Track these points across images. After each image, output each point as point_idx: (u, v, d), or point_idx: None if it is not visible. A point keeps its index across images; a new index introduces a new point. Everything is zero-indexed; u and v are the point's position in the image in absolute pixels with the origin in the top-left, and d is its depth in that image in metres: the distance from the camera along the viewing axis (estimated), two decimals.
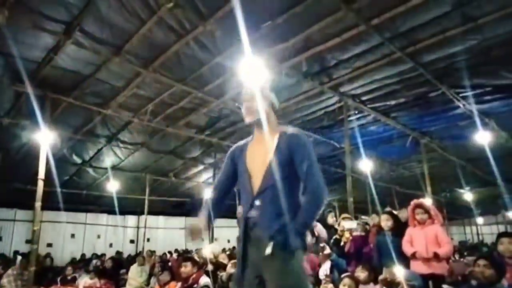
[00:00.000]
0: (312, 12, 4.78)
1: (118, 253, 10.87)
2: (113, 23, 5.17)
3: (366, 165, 9.43)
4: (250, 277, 1.88)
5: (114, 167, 10.36)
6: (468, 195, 15.28)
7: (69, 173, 10.25)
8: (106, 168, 10.30)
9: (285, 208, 1.82)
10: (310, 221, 1.89)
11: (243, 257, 1.91)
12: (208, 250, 5.69)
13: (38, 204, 6.40)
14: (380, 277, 3.58)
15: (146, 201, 11.35)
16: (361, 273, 3.81)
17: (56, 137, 7.34)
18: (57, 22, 5.12)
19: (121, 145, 9.38)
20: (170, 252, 11.78)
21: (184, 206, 14.64)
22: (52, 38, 5.43)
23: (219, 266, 5.36)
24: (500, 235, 3.65)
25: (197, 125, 8.77)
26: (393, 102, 7.53)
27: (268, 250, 1.76)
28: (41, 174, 6.49)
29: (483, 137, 8.33)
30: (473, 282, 3.09)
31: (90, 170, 10.42)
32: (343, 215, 5.42)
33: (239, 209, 2.12)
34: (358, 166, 9.82)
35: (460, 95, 7.01)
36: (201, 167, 11.05)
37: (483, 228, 21.18)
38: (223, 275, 4.26)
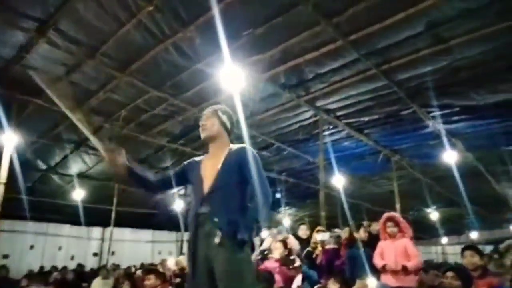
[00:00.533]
0: (291, 24, 4.85)
1: (80, 266, 10.34)
2: (90, 24, 5.04)
3: (338, 180, 9.53)
4: (201, 271, 1.97)
5: (80, 175, 9.99)
6: (434, 214, 15.72)
7: (32, 179, 9.78)
8: (72, 175, 9.92)
9: (233, 206, 2.02)
10: (258, 217, 2.02)
11: (193, 253, 2.01)
12: (172, 261, 5.51)
13: None
14: None
15: (114, 212, 10.93)
16: (333, 286, 3.77)
17: (21, 140, 7.01)
18: (31, 19, 4.95)
19: (90, 151, 9.06)
20: (135, 266, 11.35)
21: (152, 218, 14.24)
22: (25, 36, 5.24)
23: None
24: (464, 248, 3.74)
25: (171, 133, 8.62)
26: (366, 119, 7.70)
27: (217, 240, 1.91)
28: (3, 178, 6.16)
29: (450, 157, 8.65)
30: None
31: (55, 177, 9.99)
32: (317, 228, 5.41)
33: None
34: (330, 181, 9.90)
35: (430, 114, 7.27)
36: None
37: (448, 248, 21.77)
38: None
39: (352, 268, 4.34)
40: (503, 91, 6.24)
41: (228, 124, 2.31)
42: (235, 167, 2.11)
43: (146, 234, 15.52)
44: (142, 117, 7.73)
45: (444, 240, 20.82)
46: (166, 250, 15.75)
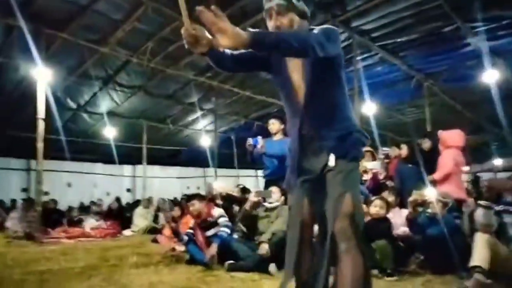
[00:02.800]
0: None
1: (118, 199, 10.82)
2: None
3: (369, 109, 9.31)
4: (309, 173, 1.82)
5: (110, 113, 10.02)
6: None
7: (64, 119, 9.88)
8: (101, 114, 9.97)
9: (336, 115, 1.78)
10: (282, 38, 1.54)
11: (298, 166, 1.83)
12: (218, 184, 5.63)
13: (40, 145, 6.18)
14: (410, 199, 3.57)
15: (145, 150, 11.15)
16: (389, 197, 3.80)
17: (53, 77, 6.96)
18: None
19: (117, 88, 8.99)
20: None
21: (180, 156, 14.54)
22: None
23: (232, 200, 5.31)
24: None
25: (197, 66, 8.40)
26: (404, 39, 7.28)
27: (331, 163, 1.72)
28: (41, 113, 6.21)
29: (489, 78, 8.24)
30: (509, 198, 3.09)
31: (85, 116, 10.08)
32: (365, 148, 5.35)
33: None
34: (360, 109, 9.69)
35: (474, 30, 6.80)
36: (199, 113, 10.77)
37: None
38: (246, 204, 4.20)
39: (401, 183, 4.36)
40: None
41: (308, 12, 1.84)
42: (316, 61, 1.70)
43: (175, 170, 15.97)
44: (169, 49, 7.49)
45: (467, 168, 20.71)
46: (194, 186, 16.31)
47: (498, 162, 19.14)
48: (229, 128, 12.78)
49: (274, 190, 3.98)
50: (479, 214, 2.97)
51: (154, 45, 7.28)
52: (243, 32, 1.40)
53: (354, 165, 1.77)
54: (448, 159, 4.11)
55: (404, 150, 4.39)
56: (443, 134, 4.32)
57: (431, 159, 4.22)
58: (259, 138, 4.09)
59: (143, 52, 7.46)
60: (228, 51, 1.80)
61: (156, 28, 6.79)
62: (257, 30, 1.45)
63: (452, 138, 4.32)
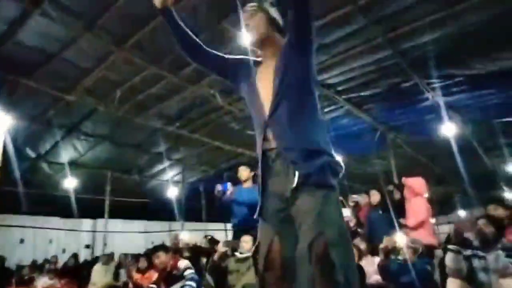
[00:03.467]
0: None
1: (75, 255, 10.05)
2: None
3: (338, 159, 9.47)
4: (274, 208, 1.63)
5: (72, 163, 9.62)
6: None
7: (21, 169, 9.35)
8: (62, 164, 9.54)
9: (306, 127, 1.61)
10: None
11: (263, 191, 1.66)
12: (185, 235, 5.37)
13: None
14: (381, 246, 3.51)
15: (107, 202, 10.64)
16: (361, 245, 3.72)
17: (13, 124, 6.66)
18: None
19: (82, 137, 8.73)
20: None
21: (146, 208, 13.96)
22: (17, 8, 4.92)
23: (199, 251, 5.05)
24: (487, 202, 3.82)
25: (167, 115, 8.38)
26: (367, 93, 7.66)
27: (293, 183, 1.52)
28: None
29: (447, 132, 8.70)
30: (475, 242, 3.10)
31: (45, 166, 9.61)
32: None
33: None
34: None
35: (430, 86, 7.27)
36: (167, 163, 10.57)
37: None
38: (214, 256, 3.98)
39: (371, 231, 4.33)
40: (505, 59, 6.27)
41: (280, 20, 1.82)
42: (291, 58, 1.66)
43: (138, 224, 15.23)
44: (138, 97, 7.46)
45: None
46: (159, 241, 15.48)
47: (462, 213, 19.76)
48: (197, 179, 12.55)
49: (246, 239, 3.81)
50: (449, 259, 2.95)
51: (122, 94, 7.22)
52: None
53: (327, 194, 1.52)
54: (422, 207, 4.18)
55: (375, 197, 4.43)
56: (408, 180, 4.43)
57: (400, 206, 4.27)
58: (229, 184, 4.00)
59: (111, 100, 7.38)
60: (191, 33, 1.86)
61: (125, 77, 6.78)
62: None
63: (419, 185, 4.43)
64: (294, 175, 1.52)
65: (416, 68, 6.70)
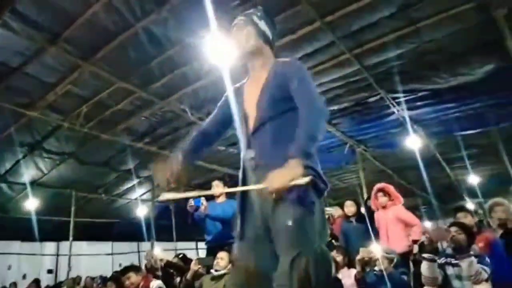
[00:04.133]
0: (273, 3, 4.78)
1: (37, 281, 9.44)
2: (54, 5, 4.64)
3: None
4: (256, 225, 1.61)
5: (34, 183, 9.15)
6: None
7: None
8: (24, 184, 9.05)
9: (288, 143, 1.54)
10: (316, 134, 1.56)
11: (242, 203, 1.67)
12: (158, 252, 5.19)
13: None
14: (357, 257, 3.51)
15: (72, 224, 10.13)
16: (337, 257, 3.71)
17: None
18: None
19: (45, 155, 8.33)
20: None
21: (113, 229, 13.45)
22: None
23: (174, 268, 4.86)
24: (456, 210, 3.99)
25: (135, 131, 8.18)
26: (335, 107, 7.81)
27: (273, 196, 1.49)
28: None
29: (412, 145, 9.01)
30: (448, 250, 3.17)
31: (4, 186, 9.08)
32: None
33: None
34: None
35: (396, 100, 7.53)
36: (136, 181, 10.26)
37: None
38: (187, 274, 3.83)
39: (347, 243, 4.34)
40: (463, 74, 6.60)
41: (269, 33, 1.83)
42: (282, 88, 1.66)
43: (105, 246, 14.63)
44: (105, 113, 7.25)
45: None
46: (127, 262, 14.89)
47: (428, 225, 20.38)
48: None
49: (222, 255, 3.70)
50: (424, 268, 2.98)
51: (88, 110, 6.99)
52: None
53: (308, 211, 1.49)
54: (412, 216, 4.27)
55: (351, 208, 4.45)
56: (391, 188, 4.51)
57: (373, 217, 4.34)
58: (202, 199, 3.90)
59: (76, 116, 7.12)
60: (196, 142, 1.95)
61: (92, 92, 6.58)
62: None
63: (398, 194, 4.53)
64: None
65: (382, 83, 6.93)
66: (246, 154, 1.69)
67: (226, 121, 1.93)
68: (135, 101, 7.00)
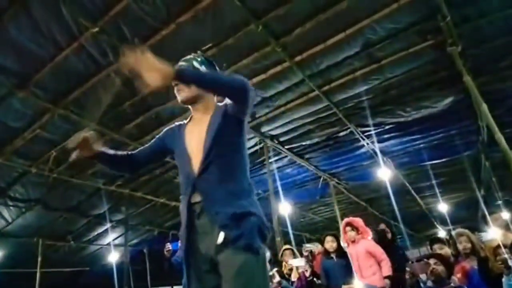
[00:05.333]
0: (242, 45, 4.97)
1: None
2: (23, 49, 4.61)
3: (285, 209, 9.54)
4: (199, 274, 1.59)
5: None
6: None
7: None
8: None
9: (235, 187, 1.61)
10: (211, 79, 1.71)
11: (187, 252, 1.62)
12: None
13: None
14: None
15: (38, 274, 9.51)
16: None
17: None
18: None
19: (10, 203, 7.92)
20: None
21: (84, 277, 12.70)
22: None
23: None
24: (432, 242, 4.04)
25: (107, 174, 7.97)
26: (307, 143, 7.99)
27: (219, 239, 1.49)
28: None
29: (382, 176, 9.26)
30: (429, 282, 3.21)
31: None
32: (285, 246, 5.28)
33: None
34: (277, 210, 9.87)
35: (365, 134, 7.80)
36: (108, 225, 9.86)
37: None
38: None
39: (328, 279, 4.29)
40: (425, 107, 6.98)
41: None
42: (226, 122, 1.69)
43: None
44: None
45: None
46: None
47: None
48: (141, 240, 11.81)
49: None
50: None
51: (58, 154, 6.80)
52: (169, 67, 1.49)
53: (253, 257, 1.49)
54: (380, 250, 4.27)
55: (333, 243, 4.42)
56: (357, 221, 4.54)
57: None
58: (179, 242, 3.80)
59: (45, 161, 6.90)
60: (119, 153, 1.93)
61: (62, 136, 6.41)
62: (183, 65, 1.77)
63: (365, 227, 4.56)
64: (219, 235, 1.50)
65: (350, 118, 7.21)
66: (192, 197, 1.64)
67: (160, 153, 2.03)
68: (107, 143, 6.86)
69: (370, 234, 4.65)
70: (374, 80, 6.18)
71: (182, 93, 1.80)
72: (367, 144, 8.15)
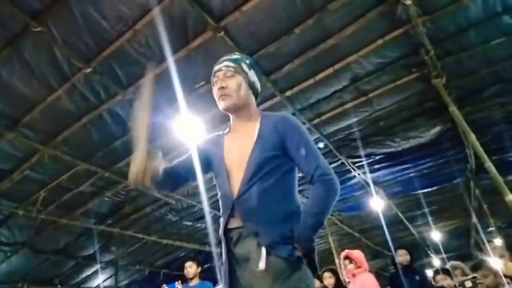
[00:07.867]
0: None
1: None
2: (14, 91, 4.60)
3: None
4: None
5: None
6: None
7: None
8: None
9: (280, 210, 1.45)
10: (324, 218, 1.49)
11: (230, 281, 1.48)
12: None
13: None
14: None
15: None
16: None
17: None
18: None
19: None
20: None
21: None
22: None
23: None
24: (436, 273, 3.99)
25: (97, 213, 7.79)
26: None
27: (262, 264, 1.36)
28: None
29: (374, 206, 9.26)
30: None
31: None
32: None
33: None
34: None
35: (356, 164, 7.86)
36: (97, 266, 9.52)
37: None
38: None
39: None
40: (414, 136, 7.11)
41: (258, 84, 1.70)
42: (274, 147, 1.50)
43: None
44: (65, 197, 6.92)
45: None
46: None
47: None
48: (132, 280, 11.39)
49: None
50: None
51: (46, 194, 6.65)
52: None
53: (297, 278, 1.38)
54: (376, 284, 4.17)
55: (331, 280, 4.32)
56: (355, 254, 4.46)
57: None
58: (177, 283, 3.69)
59: (32, 202, 6.72)
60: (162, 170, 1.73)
61: (51, 176, 6.31)
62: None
63: (363, 259, 4.48)
64: (261, 256, 1.38)
65: (341, 149, 7.29)
66: (230, 221, 1.50)
67: (203, 167, 1.74)
68: (98, 182, 6.77)
69: (366, 267, 4.54)
70: (363, 112, 6.31)
71: (228, 99, 1.59)
72: (358, 174, 8.20)
